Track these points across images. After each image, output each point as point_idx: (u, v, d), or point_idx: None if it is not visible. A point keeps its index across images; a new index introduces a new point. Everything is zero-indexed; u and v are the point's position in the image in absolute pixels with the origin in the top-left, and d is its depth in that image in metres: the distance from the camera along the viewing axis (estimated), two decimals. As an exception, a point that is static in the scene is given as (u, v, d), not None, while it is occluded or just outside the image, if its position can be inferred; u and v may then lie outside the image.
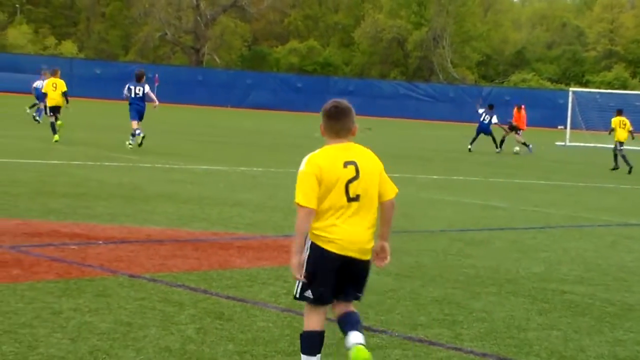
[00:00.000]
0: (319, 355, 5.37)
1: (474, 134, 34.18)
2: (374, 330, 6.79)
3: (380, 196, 5.45)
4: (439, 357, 6.23)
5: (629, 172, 27.61)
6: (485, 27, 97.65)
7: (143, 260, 8.93)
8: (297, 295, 5.40)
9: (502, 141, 34.45)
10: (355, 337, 5.32)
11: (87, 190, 14.18)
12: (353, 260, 5.33)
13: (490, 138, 34.31)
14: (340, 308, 5.48)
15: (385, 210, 5.50)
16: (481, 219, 14.31)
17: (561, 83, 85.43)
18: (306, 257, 5.32)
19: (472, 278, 9.13)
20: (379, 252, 5.52)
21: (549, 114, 54.84)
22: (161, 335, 6.30)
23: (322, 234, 5.29)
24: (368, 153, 5.48)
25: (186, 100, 68.95)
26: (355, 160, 5.36)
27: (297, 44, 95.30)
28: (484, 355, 6.36)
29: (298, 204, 5.25)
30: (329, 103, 5.49)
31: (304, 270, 5.30)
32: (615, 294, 8.82)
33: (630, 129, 29.55)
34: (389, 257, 5.54)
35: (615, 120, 29.83)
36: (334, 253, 5.29)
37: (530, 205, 16.68)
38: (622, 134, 29.16)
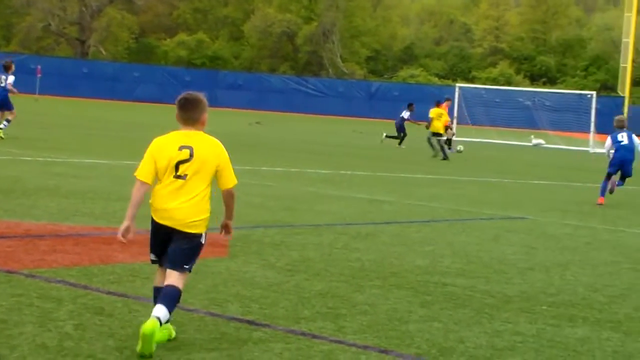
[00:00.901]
0: (158, 305, 5.93)
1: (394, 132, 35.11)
2: (257, 324, 6.77)
3: (220, 185, 6.25)
4: (321, 350, 6.24)
5: (443, 158, 29.65)
6: (374, 23, 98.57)
7: (21, 255, 8.70)
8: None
9: (448, 141, 34.76)
10: (156, 310, 5.90)
11: (-35, 184, 13.77)
12: (172, 230, 6.08)
13: (399, 134, 35.07)
14: (164, 276, 6.16)
15: (224, 197, 6.33)
16: (367, 213, 14.42)
17: (448, 79, 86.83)
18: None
19: (357, 271, 9.18)
20: (223, 228, 6.40)
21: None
22: (38, 332, 6.15)
23: (152, 203, 6.15)
24: (211, 143, 6.19)
25: (70, 92, 67.78)
26: (192, 146, 6.09)
27: (185, 37, 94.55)
28: (366, 347, 6.40)
29: (135, 176, 6.15)
30: (182, 94, 6.23)
31: (129, 235, 6.12)
32: (495, 286, 8.98)
33: (447, 119, 31.12)
34: (231, 232, 6.42)
35: (434, 111, 31.20)
36: (155, 221, 6.15)
37: (416, 199, 16.89)
38: (437, 125, 30.81)
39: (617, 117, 20.01)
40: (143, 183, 6.12)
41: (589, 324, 7.71)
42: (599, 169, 32.51)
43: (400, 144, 35.18)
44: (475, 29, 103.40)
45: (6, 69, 24.27)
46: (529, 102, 53.72)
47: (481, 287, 8.85)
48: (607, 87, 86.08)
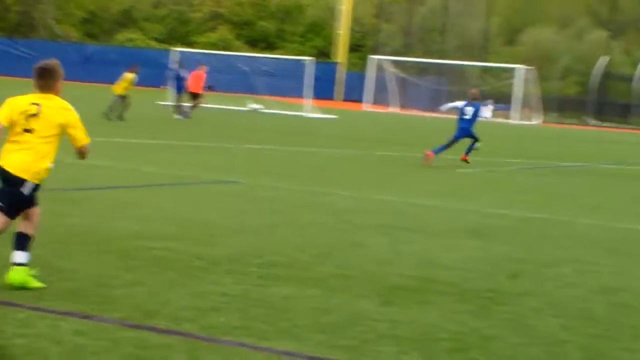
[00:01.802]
0: None
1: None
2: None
3: (72, 143, 7.13)
4: (18, 319, 6.07)
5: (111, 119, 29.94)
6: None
7: None
8: None
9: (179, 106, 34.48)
10: (15, 256, 6.92)
11: None
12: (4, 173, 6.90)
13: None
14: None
15: (77, 154, 7.27)
16: (81, 178, 14.10)
17: (167, 43, 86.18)
18: None
19: (65, 237, 9.00)
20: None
21: (155, 74, 55.13)
22: None
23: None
24: (60, 105, 7.03)
25: None
26: (41, 104, 6.93)
27: None
28: (67, 313, 6.28)
29: None
30: (39, 63, 7.09)
31: None
32: (204, 249, 9.05)
33: (127, 85, 31.69)
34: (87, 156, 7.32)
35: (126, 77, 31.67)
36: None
37: (132, 164, 16.72)
38: (117, 89, 31.61)
39: (473, 91, 23.25)
40: (2, 126, 6.88)
41: (294, 282, 7.95)
42: (314, 132, 33.57)
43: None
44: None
45: None
46: (247, 68, 54.25)
47: (190, 250, 8.90)
48: (324, 54, 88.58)
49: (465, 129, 21.52)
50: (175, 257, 8.51)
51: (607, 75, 77.06)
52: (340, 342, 6.18)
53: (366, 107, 67.91)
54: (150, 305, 6.73)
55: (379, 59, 71.05)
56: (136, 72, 33.03)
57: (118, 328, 6.09)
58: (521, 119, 63.84)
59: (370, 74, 69.96)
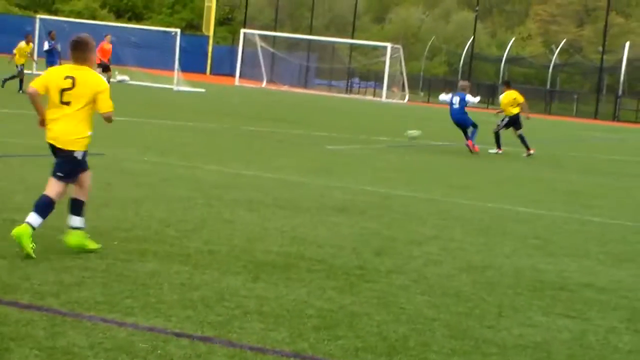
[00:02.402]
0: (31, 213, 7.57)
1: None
2: None
3: (98, 109, 7.75)
4: None
5: None
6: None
7: None
8: None
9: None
10: (72, 221, 7.78)
11: None
12: (54, 147, 7.75)
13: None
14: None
15: (103, 117, 7.88)
16: None
17: (30, 10, 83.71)
18: None
19: None
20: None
21: (17, 41, 53.33)
22: None
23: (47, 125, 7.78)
24: (92, 76, 7.74)
25: None
26: (75, 77, 7.63)
27: None
28: None
29: (31, 85, 7.71)
30: (74, 37, 7.80)
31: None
32: (62, 223, 8.78)
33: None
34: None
35: None
36: (47, 141, 7.74)
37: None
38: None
39: (460, 83, 25.43)
40: (35, 90, 7.66)
41: (160, 258, 7.79)
42: (182, 106, 33.18)
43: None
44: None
45: None
46: (114, 38, 53.21)
47: (52, 224, 8.61)
48: (193, 26, 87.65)
49: (455, 117, 23.28)
50: (36, 231, 8.21)
51: (474, 56, 78.67)
52: (207, 319, 6.07)
53: (238, 81, 67.53)
54: (11, 280, 6.48)
55: (248, 33, 70.73)
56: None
57: (-26, 304, 5.84)
58: (389, 97, 64.60)
59: (240, 48, 69.57)
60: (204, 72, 77.32)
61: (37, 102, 7.74)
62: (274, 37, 76.40)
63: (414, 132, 25.44)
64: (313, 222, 10.40)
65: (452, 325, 6.53)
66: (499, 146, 23.98)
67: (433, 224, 11.19)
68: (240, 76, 68.67)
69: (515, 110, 24.31)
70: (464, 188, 15.59)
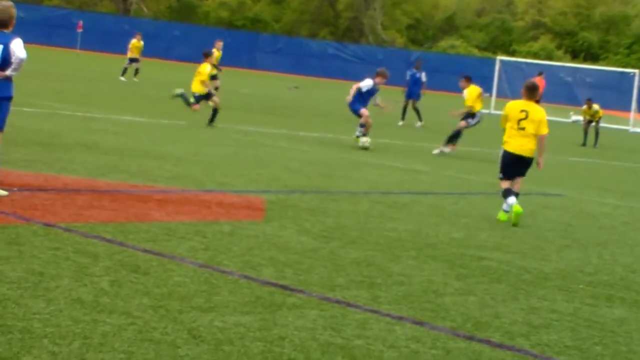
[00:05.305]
0: (512, 197, 11.30)
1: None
2: (292, 290, 6.73)
3: (537, 131, 11.40)
4: (355, 319, 6.19)
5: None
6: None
7: (59, 209, 8.72)
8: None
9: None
10: (512, 199, 11.18)
11: (3, 136, 13.79)
12: (521, 157, 11.43)
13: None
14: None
15: (539, 141, 11.51)
16: (404, 182, 14.33)
17: (489, 51, 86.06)
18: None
19: (393, 241, 9.12)
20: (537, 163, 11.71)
21: (477, 82, 55.06)
22: (74, 287, 6.15)
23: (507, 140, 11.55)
24: (538, 110, 11.50)
25: (111, 49, 67.72)
26: (527, 110, 11.35)
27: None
28: (400, 318, 6.34)
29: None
30: (528, 81, 11.87)
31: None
32: (531, 262, 8.89)
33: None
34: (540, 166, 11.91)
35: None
36: (508, 151, 11.56)
37: (453, 171, 16.76)
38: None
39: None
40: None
41: (627, 305, 7.61)
42: (635, 149, 32.22)
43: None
44: (517, 2, 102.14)
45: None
46: (569, 78, 53.06)
47: (517, 263, 8.76)
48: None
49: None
50: (503, 269, 8.39)
51: None
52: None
53: None
54: (482, 317, 6.65)
55: None
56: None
57: (450, 337, 6.06)
58: None
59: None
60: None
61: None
62: None
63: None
64: None
65: None
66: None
67: None
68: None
69: (480, 106, 21.91)
70: None
